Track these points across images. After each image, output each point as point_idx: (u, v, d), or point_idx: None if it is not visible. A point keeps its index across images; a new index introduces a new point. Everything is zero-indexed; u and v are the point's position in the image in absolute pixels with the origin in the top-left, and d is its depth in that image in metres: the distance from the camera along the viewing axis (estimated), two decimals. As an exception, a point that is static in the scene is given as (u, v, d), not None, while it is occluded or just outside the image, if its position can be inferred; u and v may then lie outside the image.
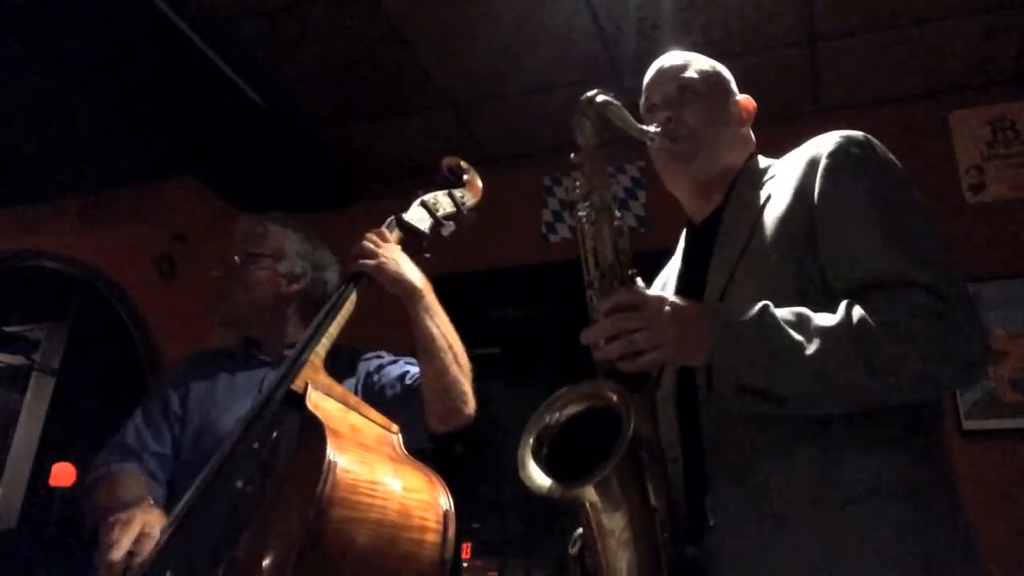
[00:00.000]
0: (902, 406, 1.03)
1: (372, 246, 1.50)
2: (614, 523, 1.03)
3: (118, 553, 1.22)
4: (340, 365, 1.57)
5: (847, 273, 1.06)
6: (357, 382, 1.63)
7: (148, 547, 1.24)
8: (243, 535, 1.24)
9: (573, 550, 1.21)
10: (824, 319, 1.00)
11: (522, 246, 3.28)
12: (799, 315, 1.01)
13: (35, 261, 3.98)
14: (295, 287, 1.70)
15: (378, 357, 1.71)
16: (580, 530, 1.17)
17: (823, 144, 1.17)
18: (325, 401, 1.29)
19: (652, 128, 1.27)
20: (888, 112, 2.96)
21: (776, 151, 1.31)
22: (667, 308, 1.03)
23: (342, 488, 1.13)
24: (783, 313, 1.01)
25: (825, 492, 1.00)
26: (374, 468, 1.22)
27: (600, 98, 1.22)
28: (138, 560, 1.22)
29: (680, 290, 1.28)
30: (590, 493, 1.02)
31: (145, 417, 1.61)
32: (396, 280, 1.50)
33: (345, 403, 1.33)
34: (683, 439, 1.17)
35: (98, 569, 1.23)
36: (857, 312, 1.00)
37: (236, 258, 1.68)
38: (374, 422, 1.35)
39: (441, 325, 1.54)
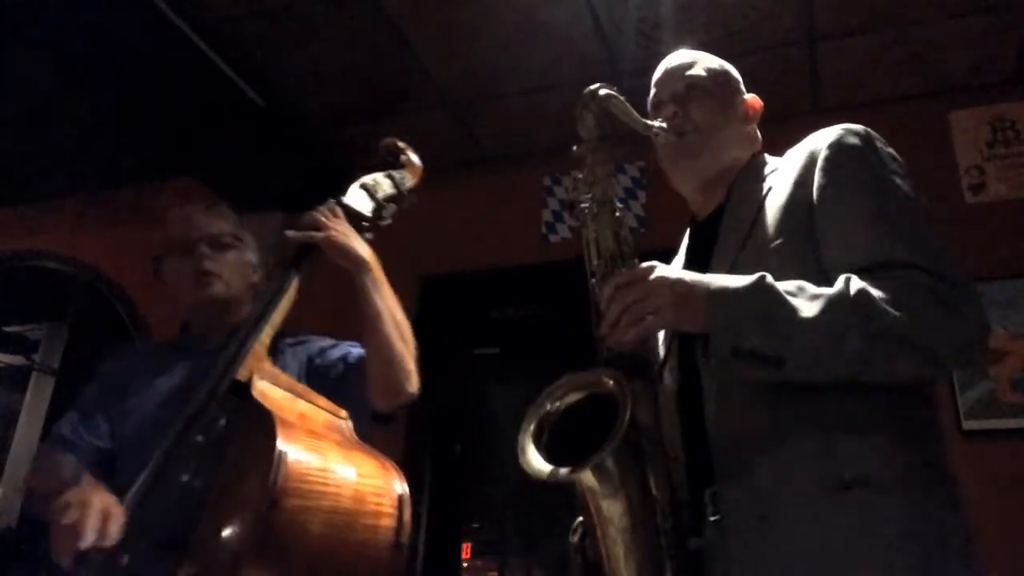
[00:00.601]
0: (895, 393, 1.03)
1: (322, 218, 1.48)
2: (613, 509, 1.04)
3: (87, 536, 1.14)
4: (279, 350, 1.57)
5: (846, 260, 1.07)
6: (300, 367, 1.61)
7: (115, 527, 1.18)
8: (196, 530, 1.23)
9: (574, 538, 1.22)
10: (822, 289, 1.01)
11: (522, 246, 3.28)
12: (798, 284, 1.02)
13: (35, 261, 3.97)
14: (255, 277, 1.70)
15: (320, 340, 1.69)
16: (580, 518, 1.18)
17: (823, 137, 1.18)
18: (271, 390, 1.28)
19: (657, 123, 1.27)
20: (888, 112, 2.95)
21: (776, 150, 1.31)
22: (661, 274, 1.04)
23: (294, 478, 1.13)
24: (782, 283, 1.02)
25: (822, 483, 1.00)
26: (325, 456, 1.22)
27: (603, 91, 1.23)
28: (107, 540, 1.17)
29: None
30: (588, 477, 1.02)
31: (80, 410, 1.59)
32: (345, 252, 1.48)
33: (292, 391, 1.32)
34: (685, 433, 1.17)
35: (58, 550, 1.16)
36: (856, 283, 1.00)
37: (209, 237, 1.65)
38: (322, 408, 1.35)
39: (388, 299, 1.53)
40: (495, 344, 3.50)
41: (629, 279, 1.06)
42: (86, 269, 3.89)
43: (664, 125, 1.28)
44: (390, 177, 1.63)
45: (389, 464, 1.32)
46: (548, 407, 1.10)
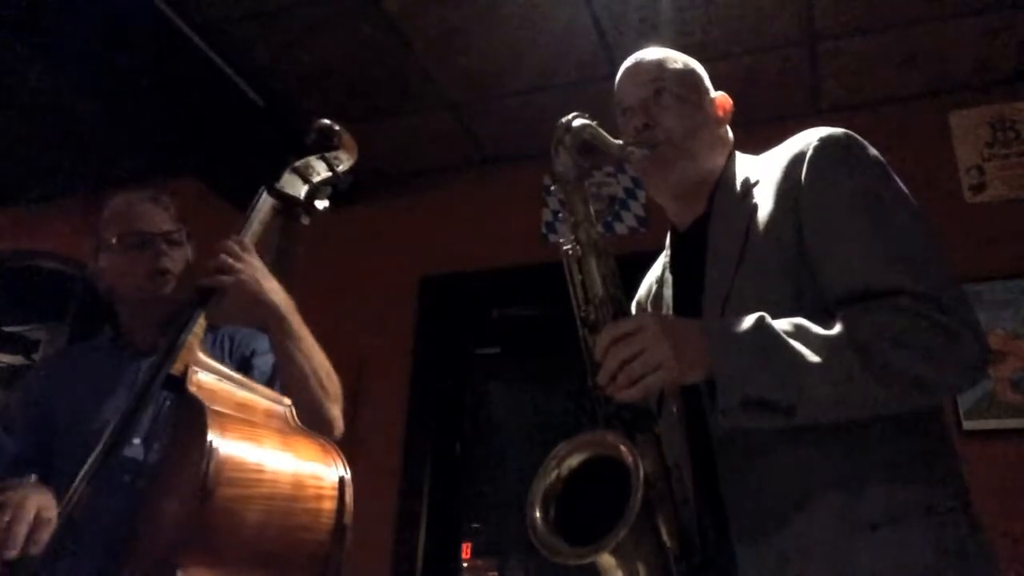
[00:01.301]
0: (907, 421, 1.02)
1: (230, 260, 1.36)
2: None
3: (15, 544, 1.11)
4: (217, 337, 1.56)
5: (841, 283, 1.05)
6: (234, 362, 1.58)
7: (46, 534, 1.15)
8: (137, 527, 1.24)
9: None
10: (823, 330, 0.99)
11: (522, 246, 3.28)
12: (797, 325, 1.00)
13: (35, 261, 3.97)
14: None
15: (254, 338, 1.64)
16: None
17: (804, 145, 1.15)
18: (208, 382, 1.27)
19: (629, 142, 1.24)
20: (888, 112, 2.96)
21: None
22: (661, 327, 1.01)
23: (228, 468, 1.13)
24: (780, 324, 1.00)
25: (845, 522, 0.99)
26: (262, 443, 1.22)
27: (576, 123, 1.20)
28: (36, 547, 1.14)
29: (677, 310, 1.27)
30: (605, 557, 1.00)
31: (4, 424, 1.55)
32: (256, 300, 1.37)
33: (230, 380, 1.31)
34: (695, 471, 1.15)
35: None
36: (855, 320, 0.99)
37: (166, 234, 1.62)
38: (263, 397, 1.34)
39: (304, 349, 1.44)
40: (495, 344, 3.50)
41: (625, 331, 1.01)
42: (86, 269, 3.88)
43: (634, 142, 1.24)
44: (324, 159, 1.58)
45: (331, 447, 1.32)
46: (551, 476, 1.07)
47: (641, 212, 3.19)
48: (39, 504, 1.18)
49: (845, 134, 1.15)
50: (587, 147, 1.21)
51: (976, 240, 2.67)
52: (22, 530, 1.13)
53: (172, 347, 1.28)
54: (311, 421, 1.42)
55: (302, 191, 1.53)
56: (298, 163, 1.55)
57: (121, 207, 1.67)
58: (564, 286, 1.21)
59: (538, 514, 1.05)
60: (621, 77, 1.35)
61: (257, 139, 3.26)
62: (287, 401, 1.36)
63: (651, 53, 1.35)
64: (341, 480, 1.27)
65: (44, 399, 1.58)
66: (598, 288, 1.16)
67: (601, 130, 1.22)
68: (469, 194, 3.46)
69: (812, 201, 1.10)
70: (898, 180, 1.12)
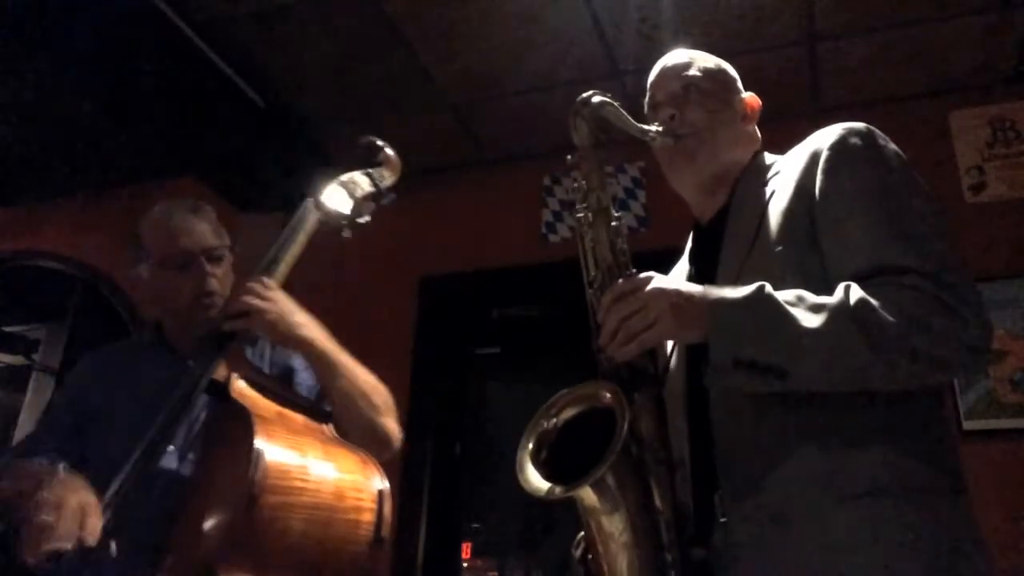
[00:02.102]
0: (903, 400, 1.02)
1: (255, 301, 1.34)
2: (613, 525, 1.03)
3: (63, 538, 1.09)
4: (259, 338, 1.55)
5: (846, 263, 1.06)
6: (278, 371, 1.57)
7: (97, 523, 1.13)
8: (175, 531, 1.24)
9: (577, 552, 1.21)
10: (823, 298, 1.00)
11: (522, 246, 3.28)
12: (797, 294, 1.01)
13: (35, 261, 3.97)
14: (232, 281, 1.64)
15: (285, 351, 1.61)
16: (583, 532, 1.17)
17: (825, 137, 1.17)
18: (250, 389, 1.28)
19: (654, 127, 1.26)
20: (888, 112, 2.95)
21: (776, 151, 1.31)
22: (659, 285, 1.03)
23: (273, 475, 1.13)
24: (782, 293, 1.01)
25: (827, 491, 0.99)
26: (304, 452, 1.22)
27: (596, 99, 1.21)
28: (92, 536, 1.12)
29: None
30: (588, 495, 1.01)
31: (49, 421, 1.54)
32: (287, 339, 1.37)
33: (271, 389, 1.32)
34: (692, 438, 1.16)
35: (28, 550, 1.09)
36: (856, 292, 0.99)
37: (208, 250, 1.59)
38: (301, 407, 1.35)
39: (345, 372, 1.42)
40: (495, 344, 3.50)
41: (626, 290, 1.04)
42: (86, 269, 3.88)
43: (660, 129, 1.26)
44: (368, 175, 1.61)
45: (369, 460, 1.32)
46: (545, 424, 1.09)
47: (641, 212, 3.19)
48: (80, 498, 1.16)
49: (867, 128, 1.17)
50: (605, 123, 1.22)
51: (976, 240, 2.67)
52: (70, 524, 1.11)
53: (215, 356, 1.28)
54: (367, 439, 1.41)
55: (348, 206, 1.54)
56: (343, 178, 1.57)
57: (163, 220, 1.61)
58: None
59: (528, 455, 1.06)
60: (653, 76, 1.38)
61: (257, 139, 3.26)
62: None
63: (683, 53, 1.38)
64: (380, 492, 1.27)
65: (83, 396, 1.57)
66: (607, 253, 1.18)
67: (622, 111, 1.23)
68: (469, 194, 3.46)
69: (827, 188, 1.12)
70: (917, 174, 1.13)
